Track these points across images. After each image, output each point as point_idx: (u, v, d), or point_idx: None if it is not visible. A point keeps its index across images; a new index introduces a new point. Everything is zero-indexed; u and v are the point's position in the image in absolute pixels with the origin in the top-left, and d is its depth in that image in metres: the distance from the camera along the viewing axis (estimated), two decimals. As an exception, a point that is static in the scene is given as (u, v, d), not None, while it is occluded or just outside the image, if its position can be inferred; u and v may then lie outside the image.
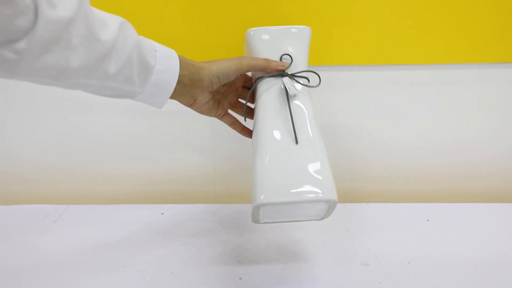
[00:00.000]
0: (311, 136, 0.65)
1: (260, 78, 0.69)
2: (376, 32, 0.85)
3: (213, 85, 0.67)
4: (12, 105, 0.92)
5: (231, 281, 0.70)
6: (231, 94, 0.73)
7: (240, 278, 0.70)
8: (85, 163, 0.95)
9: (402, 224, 0.82)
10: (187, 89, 0.65)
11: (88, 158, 0.95)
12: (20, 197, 0.95)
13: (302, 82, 0.69)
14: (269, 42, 0.71)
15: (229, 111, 0.74)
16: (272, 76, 0.69)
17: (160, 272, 0.72)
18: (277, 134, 0.66)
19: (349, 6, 0.84)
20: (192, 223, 0.84)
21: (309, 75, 0.70)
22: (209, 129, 0.92)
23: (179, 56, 0.64)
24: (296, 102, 0.67)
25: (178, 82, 0.63)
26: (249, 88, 0.74)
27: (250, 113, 0.72)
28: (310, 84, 0.69)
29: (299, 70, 0.70)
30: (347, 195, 0.93)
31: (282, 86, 0.68)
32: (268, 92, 0.69)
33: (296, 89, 0.68)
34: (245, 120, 0.72)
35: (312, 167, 0.63)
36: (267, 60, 0.69)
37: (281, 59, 0.70)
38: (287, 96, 0.67)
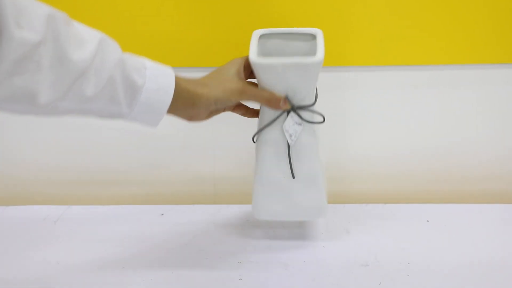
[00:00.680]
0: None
1: None
2: (376, 32, 0.85)
3: (210, 109, 0.64)
4: (12, 106, 0.92)
5: (231, 282, 0.70)
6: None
7: (240, 279, 0.70)
8: (85, 164, 0.95)
9: (402, 225, 0.82)
10: (182, 110, 0.63)
11: (88, 158, 0.95)
12: (20, 198, 0.95)
13: (306, 119, 0.67)
14: (276, 75, 0.65)
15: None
16: None
17: (160, 273, 0.72)
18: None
19: (349, 7, 0.84)
20: (192, 224, 0.84)
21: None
22: (209, 129, 0.92)
23: (176, 77, 0.60)
24: (299, 139, 0.68)
25: (171, 103, 0.60)
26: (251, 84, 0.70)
27: (253, 112, 0.73)
28: (316, 119, 0.68)
29: (306, 104, 0.67)
30: (347, 196, 0.93)
31: (283, 128, 0.68)
32: (270, 129, 0.69)
33: (297, 130, 0.67)
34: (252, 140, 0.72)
35: None
36: (271, 97, 0.65)
37: (287, 95, 0.66)
38: (288, 145, 0.68)
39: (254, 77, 0.69)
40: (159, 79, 0.59)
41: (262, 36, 0.70)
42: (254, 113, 0.73)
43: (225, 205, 0.90)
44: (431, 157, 0.93)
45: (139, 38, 0.86)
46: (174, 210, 0.89)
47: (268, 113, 0.68)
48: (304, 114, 0.68)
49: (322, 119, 0.68)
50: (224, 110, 0.70)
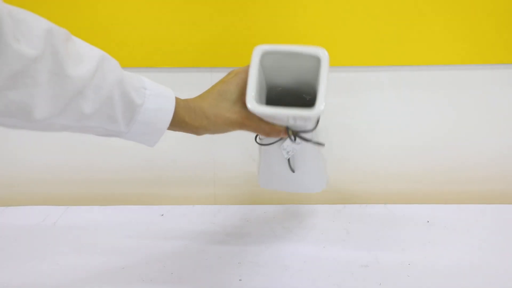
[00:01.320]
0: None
1: None
2: (376, 32, 0.85)
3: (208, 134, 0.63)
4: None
5: (231, 283, 0.70)
6: None
7: (240, 280, 0.70)
8: (85, 164, 0.95)
9: (402, 225, 0.82)
10: (181, 130, 0.63)
11: (88, 158, 0.95)
12: (20, 198, 0.95)
13: (306, 138, 0.66)
14: (276, 120, 0.63)
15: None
16: None
17: (160, 273, 0.72)
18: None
19: (349, 7, 0.84)
20: (192, 225, 0.84)
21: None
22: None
23: (176, 101, 0.59)
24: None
25: (170, 126, 0.59)
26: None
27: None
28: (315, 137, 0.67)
29: (307, 129, 0.65)
30: (347, 197, 0.93)
31: (281, 147, 0.67)
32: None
33: (295, 148, 0.67)
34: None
35: None
36: (271, 130, 0.63)
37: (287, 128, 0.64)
38: (289, 162, 0.68)
39: None
40: (158, 99, 0.58)
41: (264, 53, 0.64)
42: None
43: (225, 206, 0.90)
44: (431, 157, 0.93)
45: (139, 38, 0.86)
46: (174, 210, 0.89)
47: None
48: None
49: (323, 145, 0.67)
50: None
